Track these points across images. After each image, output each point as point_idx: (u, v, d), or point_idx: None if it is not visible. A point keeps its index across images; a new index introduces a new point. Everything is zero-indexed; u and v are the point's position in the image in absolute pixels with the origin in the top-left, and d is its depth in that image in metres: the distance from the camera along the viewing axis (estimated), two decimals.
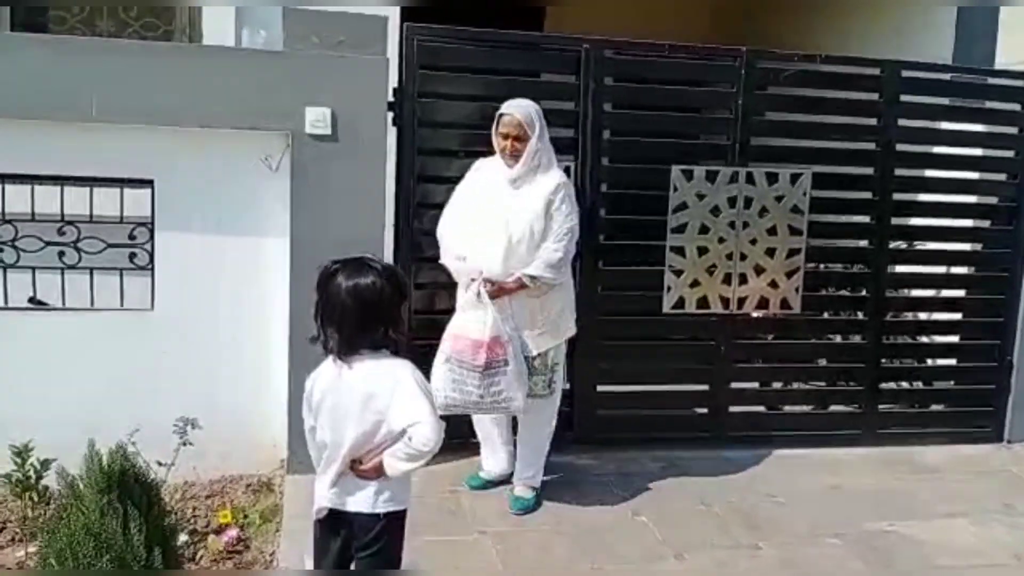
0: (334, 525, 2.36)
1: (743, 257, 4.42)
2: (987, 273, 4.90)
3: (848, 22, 6.09)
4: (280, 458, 3.96)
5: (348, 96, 3.80)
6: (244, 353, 3.93)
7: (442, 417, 2.32)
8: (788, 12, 6.73)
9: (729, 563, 3.44)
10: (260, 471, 3.96)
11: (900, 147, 4.61)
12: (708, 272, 4.40)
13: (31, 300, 3.75)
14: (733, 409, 4.61)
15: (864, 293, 4.78)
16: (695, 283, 4.39)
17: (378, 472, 2.29)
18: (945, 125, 4.79)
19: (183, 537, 3.38)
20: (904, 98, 4.56)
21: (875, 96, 4.57)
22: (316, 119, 3.76)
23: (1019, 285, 4.77)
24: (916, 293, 4.94)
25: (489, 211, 3.56)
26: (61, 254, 3.72)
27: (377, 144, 3.87)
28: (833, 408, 4.83)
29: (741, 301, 4.45)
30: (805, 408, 4.84)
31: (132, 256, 3.80)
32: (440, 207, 3.78)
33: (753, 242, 4.42)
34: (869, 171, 4.63)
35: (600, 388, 4.40)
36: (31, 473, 3.34)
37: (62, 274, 3.73)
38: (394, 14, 4.28)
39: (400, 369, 2.29)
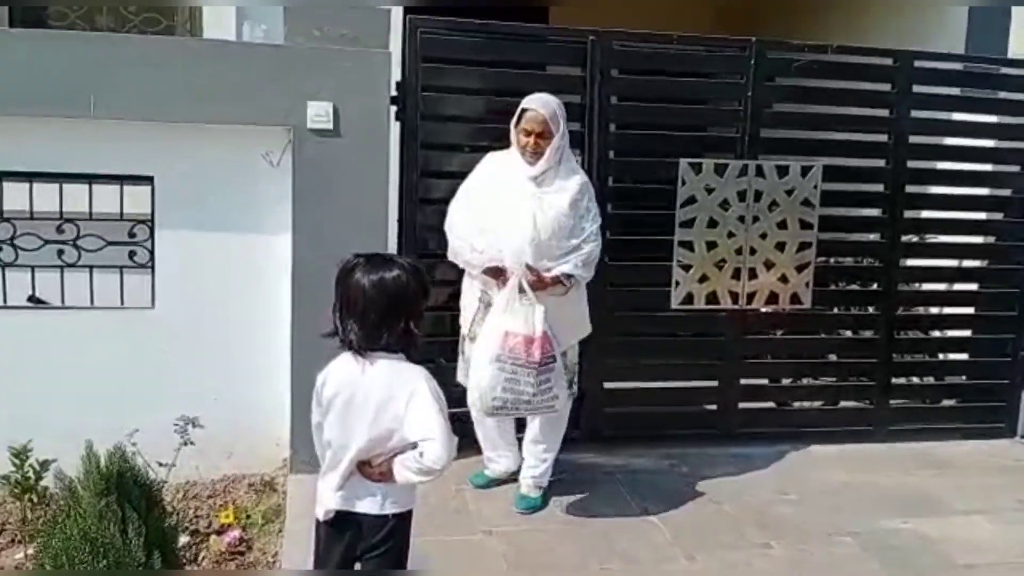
0: (341, 526, 2.32)
1: (753, 251, 4.35)
2: (1000, 266, 4.82)
3: (855, 20, 6.00)
4: (283, 457, 3.92)
5: (350, 90, 3.74)
6: (246, 351, 3.88)
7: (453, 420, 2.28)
8: (792, 12, 6.65)
9: (741, 563, 3.38)
10: (263, 470, 3.92)
11: (913, 139, 4.54)
12: (717, 267, 4.33)
13: (30, 299, 3.70)
14: (743, 405, 4.56)
15: (876, 287, 4.72)
16: (704, 278, 4.33)
17: (387, 476, 2.26)
18: (958, 116, 4.71)
19: (184, 538, 3.34)
20: (917, 89, 4.49)
21: (887, 87, 4.50)
22: (318, 114, 3.70)
23: None
24: (928, 287, 4.87)
25: (513, 207, 3.43)
26: (60, 252, 3.68)
27: (380, 139, 3.81)
28: (844, 404, 4.77)
29: (751, 296, 4.39)
30: (816, 404, 4.77)
31: (132, 254, 3.75)
32: (444, 202, 3.68)
33: (763, 236, 4.36)
34: (881, 163, 4.56)
35: (608, 385, 4.35)
36: (30, 474, 3.30)
37: (61, 272, 3.69)
38: (397, 8, 4.22)
39: (417, 379, 2.25)
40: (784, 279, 4.41)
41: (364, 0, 3.93)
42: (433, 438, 2.18)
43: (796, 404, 4.78)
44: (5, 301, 3.68)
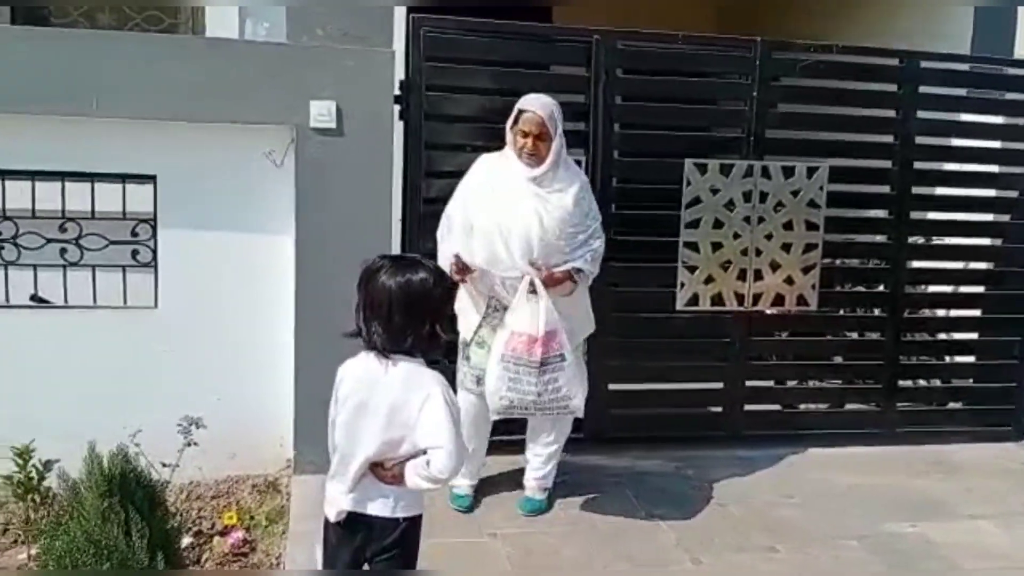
0: (352, 528, 2.30)
1: (758, 253, 4.33)
2: (1007, 268, 4.79)
3: (860, 22, 5.98)
4: (287, 458, 3.90)
5: (354, 89, 3.72)
6: (249, 351, 3.86)
7: None
8: (792, 11, 6.63)
9: (746, 566, 3.36)
10: (267, 471, 3.90)
11: (919, 139, 4.51)
12: (722, 268, 4.31)
13: (32, 298, 3.69)
14: (748, 407, 4.53)
15: (882, 289, 4.69)
16: (709, 279, 4.31)
17: (398, 479, 2.25)
18: (964, 117, 4.68)
19: (187, 539, 3.33)
20: (923, 89, 4.47)
21: (894, 87, 4.47)
22: (321, 113, 3.68)
23: None
24: (935, 289, 4.85)
25: (517, 210, 3.38)
26: (63, 251, 3.66)
27: (383, 138, 3.79)
28: (850, 406, 4.75)
29: (756, 298, 4.37)
30: (822, 406, 4.75)
31: (135, 253, 3.73)
32: (447, 202, 3.65)
33: (769, 237, 4.33)
34: (887, 164, 4.53)
35: (612, 386, 4.32)
36: (33, 474, 3.27)
37: (64, 271, 3.67)
38: (400, 6, 4.19)
39: (433, 384, 2.23)
40: (790, 280, 4.39)
41: None
42: (441, 446, 2.17)
43: (802, 406, 4.75)
44: (7, 300, 3.66)
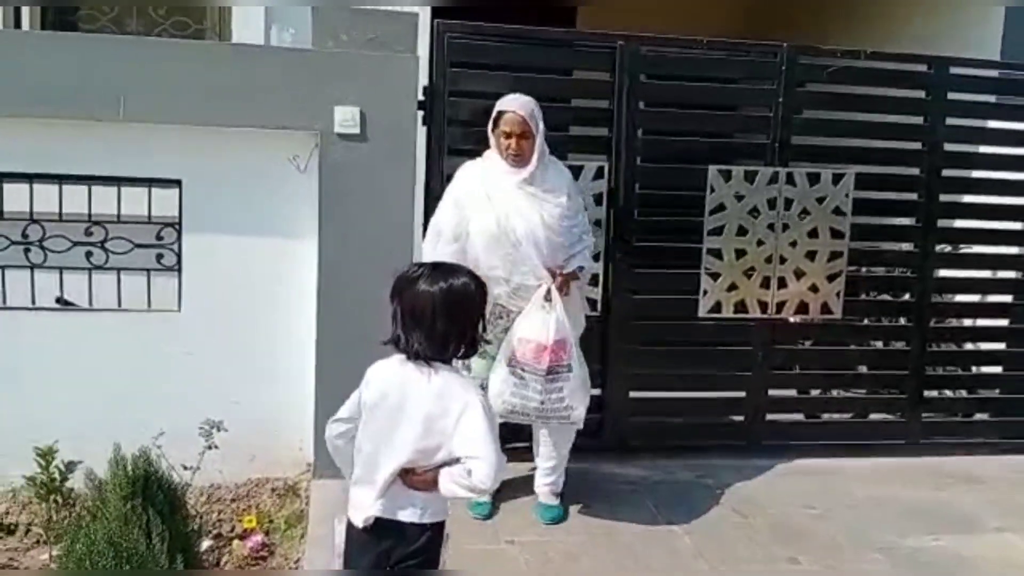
0: (379, 533, 2.28)
1: (783, 260, 4.30)
2: None
3: (890, 26, 5.92)
4: (307, 462, 3.91)
5: (378, 95, 3.73)
6: (271, 355, 3.88)
7: None
8: (823, 14, 6.57)
9: None
10: (286, 475, 3.91)
11: (948, 147, 4.46)
12: (746, 275, 4.28)
13: (58, 300, 3.73)
14: (770, 417, 4.49)
15: (908, 298, 4.64)
16: (732, 287, 4.28)
17: (429, 486, 2.24)
18: (993, 124, 4.62)
19: (207, 542, 3.35)
20: (952, 96, 4.41)
21: (922, 94, 4.42)
22: (345, 118, 3.69)
23: None
24: (962, 298, 4.78)
25: (520, 214, 3.39)
26: (88, 254, 3.70)
27: (407, 144, 3.80)
28: (874, 416, 4.70)
29: (780, 306, 4.33)
30: (845, 416, 4.70)
31: (159, 257, 3.77)
32: None
33: (793, 244, 4.30)
34: (915, 171, 4.48)
35: (633, 394, 4.30)
36: (55, 475, 3.31)
37: (89, 274, 3.71)
38: (425, 12, 4.20)
39: (471, 394, 2.24)
40: (814, 288, 4.35)
41: (392, 4, 3.91)
42: (481, 457, 2.16)
43: (825, 416, 4.70)
44: (33, 302, 3.71)
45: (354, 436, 2.33)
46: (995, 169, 4.61)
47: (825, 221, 4.31)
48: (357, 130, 3.71)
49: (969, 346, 4.83)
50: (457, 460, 2.20)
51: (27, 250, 3.68)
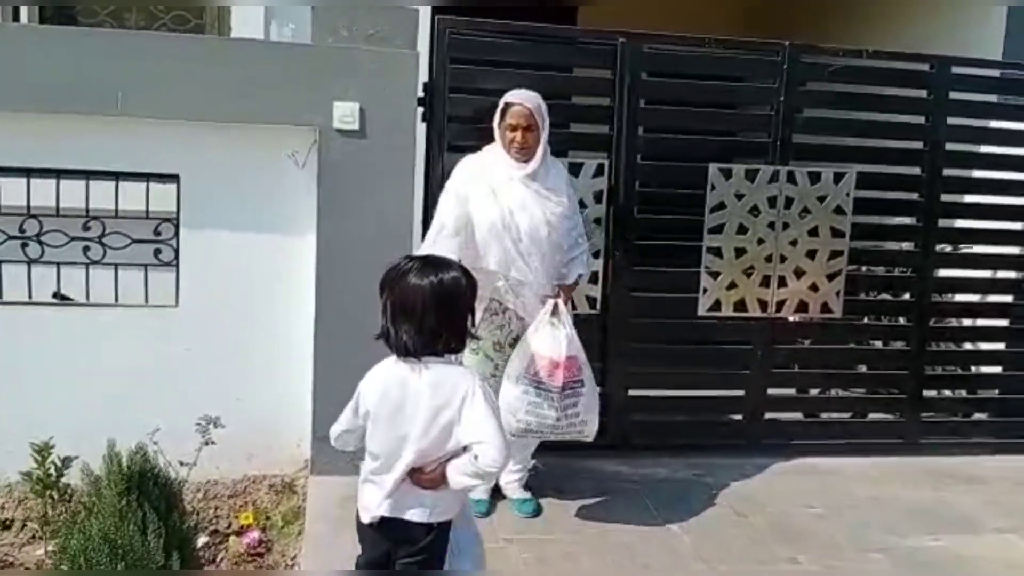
0: (386, 531, 2.31)
1: (783, 259, 4.29)
2: None
3: (892, 24, 5.90)
4: (304, 458, 3.90)
5: (377, 91, 3.71)
6: (269, 352, 3.86)
7: None
8: (824, 13, 6.55)
9: None
10: (283, 471, 3.90)
11: (949, 146, 4.44)
12: (746, 274, 4.27)
13: (55, 295, 3.71)
14: (770, 416, 4.49)
15: (908, 297, 4.63)
16: (732, 285, 4.27)
17: (438, 483, 2.24)
18: (995, 123, 4.61)
19: (204, 539, 3.34)
20: (954, 95, 4.40)
21: (923, 93, 4.41)
22: (344, 114, 3.67)
23: None
24: (962, 298, 4.77)
25: (524, 210, 3.37)
26: (86, 249, 3.68)
27: (406, 140, 3.78)
28: (874, 416, 4.69)
29: (780, 304, 4.32)
30: (845, 416, 4.69)
31: (157, 252, 3.75)
32: None
33: (793, 243, 4.29)
34: (916, 171, 4.47)
35: (632, 393, 4.29)
36: (52, 471, 3.29)
37: (86, 269, 3.69)
38: (425, 8, 4.18)
39: (470, 382, 2.24)
40: (814, 287, 4.34)
41: (393, 0, 3.89)
42: (487, 441, 2.17)
43: (824, 415, 4.70)
44: (30, 297, 3.69)
45: (362, 436, 2.34)
46: (996, 169, 4.60)
47: (826, 220, 4.30)
48: (356, 126, 3.69)
49: (969, 346, 4.83)
50: (464, 450, 2.21)
51: (24, 245, 3.66)
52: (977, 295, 4.78)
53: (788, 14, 6.95)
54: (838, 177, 4.29)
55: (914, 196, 4.51)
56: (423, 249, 3.41)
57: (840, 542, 3.59)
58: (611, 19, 5.13)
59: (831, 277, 4.35)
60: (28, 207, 3.64)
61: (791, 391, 4.69)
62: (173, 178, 3.71)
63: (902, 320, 4.69)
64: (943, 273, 4.63)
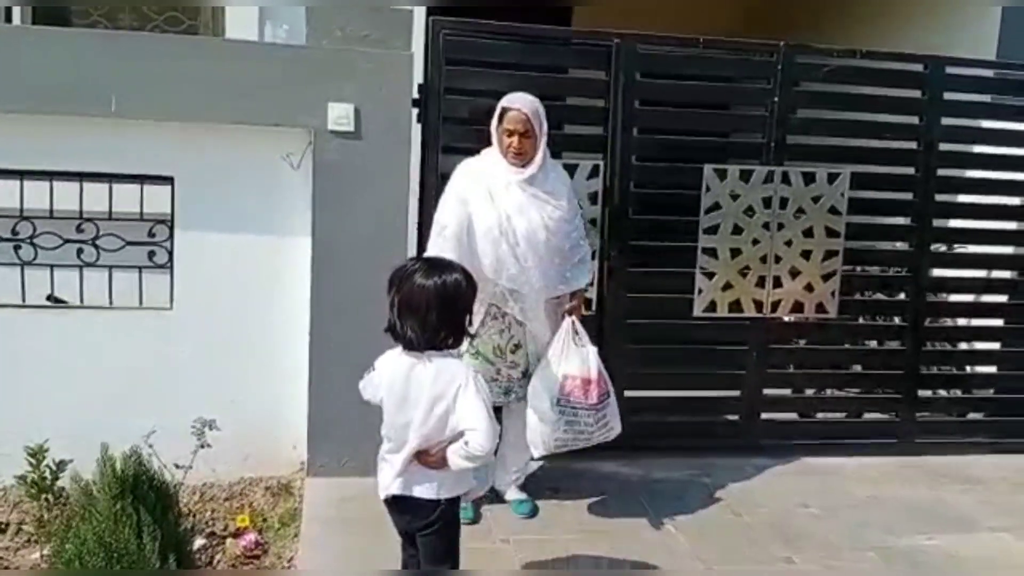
0: (399, 507, 2.58)
1: (778, 259, 4.29)
2: None
3: (888, 24, 5.91)
4: (300, 460, 3.90)
5: (372, 92, 3.71)
6: (264, 353, 3.85)
7: None
8: (822, 14, 6.57)
9: None
10: (280, 473, 3.90)
11: (943, 146, 4.45)
12: (741, 275, 4.27)
13: (49, 298, 3.70)
14: (765, 416, 4.49)
15: (903, 297, 4.63)
16: (727, 286, 4.27)
17: (441, 464, 2.48)
18: (989, 124, 4.62)
19: (200, 541, 3.32)
20: (948, 95, 4.40)
21: (918, 93, 4.42)
22: (339, 116, 3.67)
23: None
24: (957, 298, 4.78)
25: (522, 214, 3.35)
26: (79, 251, 3.67)
27: (401, 142, 3.78)
28: (869, 416, 4.70)
29: (775, 305, 4.33)
30: (840, 416, 4.70)
31: (151, 254, 3.74)
32: None
33: (788, 244, 4.29)
34: (910, 171, 4.48)
35: (628, 393, 4.27)
36: (46, 475, 3.28)
37: (80, 272, 3.68)
38: (420, 9, 4.18)
39: (464, 375, 2.47)
40: (810, 288, 4.34)
41: (387, 1, 3.89)
42: (476, 428, 2.41)
43: (820, 415, 4.70)
44: (24, 300, 3.68)
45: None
46: (990, 169, 4.61)
47: (821, 220, 4.31)
48: (351, 127, 3.69)
49: (964, 346, 4.83)
50: (461, 434, 2.44)
51: (17, 247, 3.65)
52: (972, 295, 4.78)
53: (787, 14, 6.96)
54: (832, 177, 4.30)
55: (908, 196, 4.51)
56: (428, 251, 3.41)
57: (837, 542, 3.60)
58: (607, 19, 5.13)
59: (826, 277, 4.35)
60: (21, 209, 3.63)
61: (787, 391, 4.69)
62: (167, 180, 3.71)
63: (897, 320, 4.70)
64: (938, 273, 4.63)
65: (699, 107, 4.37)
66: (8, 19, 4.74)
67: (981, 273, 4.72)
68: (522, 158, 3.37)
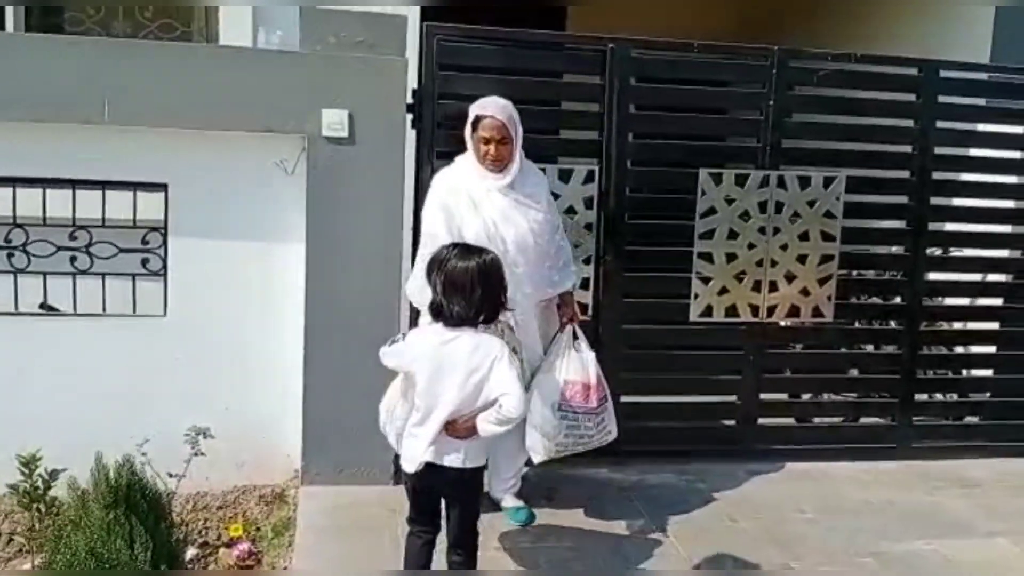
0: (429, 476, 2.73)
1: (773, 263, 4.28)
2: None
3: (882, 26, 5.92)
4: (294, 468, 3.88)
5: (366, 98, 3.71)
6: (258, 361, 3.84)
7: None
8: (817, 18, 6.57)
9: None
10: (274, 482, 3.88)
11: (938, 150, 4.44)
12: (737, 279, 4.26)
13: (42, 306, 3.69)
14: (762, 421, 4.47)
15: (899, 301, 4.63)
16: (723, 290, 4.26)
17: (470, 432, 2.66)
18: (984, 127, 4.61)
19: (193, 551, 3.31)
20: (942, 99, 4.40)
21: (912, 97, 4.41)
22: (333, 122, 3.66)
23: None
24: (952, 301, 4.77)
25: (507, 221, 3.33)
26: (73, 259, 3.66)
27: (396, 147, 3.77)
28: (866, 420, 4.68)
29: (771, 309, 4.31)
30: (836, 420, 4.69)
31: (145, 261, 3.73)
32: None
33: (784, 248, 4.28)
34: (905, 174, 4.47)
35: (624, 398, 4.26)
36: (39, 484, 3.25)
37: (73, 279, 3.67)
38: (413, 14, 4.17)
39: (498, 347, 2.68)
40: (805, 292, 4.33)
41: (380, 6, 3.87)
42: (509, 392, 2.63)
43: (816, 420, 4.69)
44: (17, 308, 3.66)
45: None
46: (985, 172, 4.61)
47: (816, 224, 4.30)
48: (345, 133, 3.68)
49: (960, 349, 4.82)
50: (492, 404, 2.63)
51: (10, 255, 3.64)
52: (967, 298, 4.78)
53: (781, 17, 6.96)
54: (828, 181, 4.29)
55: (904, 199, 4.50)
56: (420, 262, 3.32)
57: (832, 547, 3.58)
58: (600, 22, 5.13)
59: (822, 281, 4.34)
60: (14, 216, 3.62)
61: (783, 396, 4.68)
62: (161, 187, 3.69)
63: (893, 324, 4.69)
64: (933, 276, 4.62)
65: (694, 111, 4.36)
66: (1, 26, 4.73)
67: (976, 276, 4.72)
68: (500, 164, 3.33)
